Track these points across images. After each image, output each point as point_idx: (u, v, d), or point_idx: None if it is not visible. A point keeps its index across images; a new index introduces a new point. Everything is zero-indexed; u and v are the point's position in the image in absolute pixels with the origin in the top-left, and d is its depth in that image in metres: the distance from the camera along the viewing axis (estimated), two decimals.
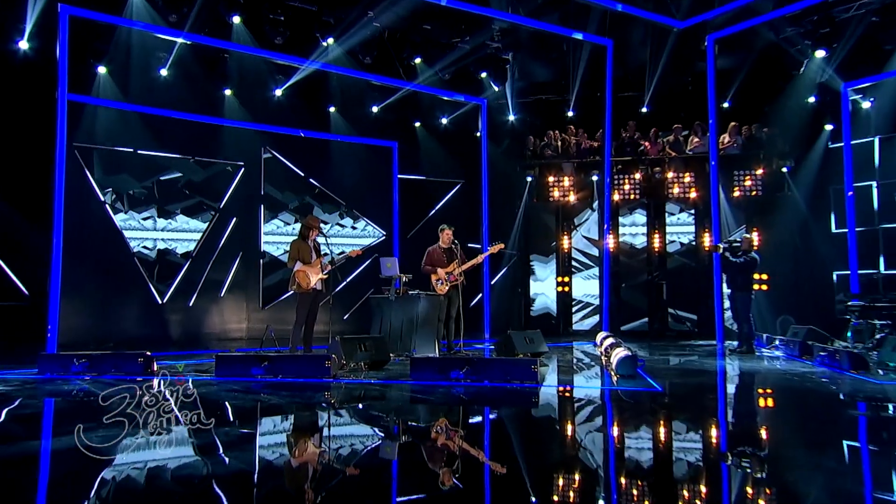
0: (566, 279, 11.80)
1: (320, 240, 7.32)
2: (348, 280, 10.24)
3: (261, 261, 11.02)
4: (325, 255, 7.21)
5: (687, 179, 11.12)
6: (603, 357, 7.38)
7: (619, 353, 6.22)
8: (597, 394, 5.48)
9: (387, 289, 7.96)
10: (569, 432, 4.13)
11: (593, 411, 4.84)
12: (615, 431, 4.11)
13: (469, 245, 8.32)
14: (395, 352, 7.36)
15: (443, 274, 7.80)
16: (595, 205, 11.66)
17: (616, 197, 11.45)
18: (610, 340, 7.60)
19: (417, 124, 12.26)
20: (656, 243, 11.34)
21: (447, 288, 7.78)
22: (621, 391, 5.41)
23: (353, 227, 11.87)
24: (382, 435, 3.99)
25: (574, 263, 11.87)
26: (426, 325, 7.60)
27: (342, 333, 8.15)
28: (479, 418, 4.57)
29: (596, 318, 11.53)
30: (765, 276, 9.12)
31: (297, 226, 11.10)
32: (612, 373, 6.19)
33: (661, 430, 4.18)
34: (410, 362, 5.86)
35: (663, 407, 4.89)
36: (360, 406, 4.89)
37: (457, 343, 7.89)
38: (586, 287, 11.74)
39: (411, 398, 5.21)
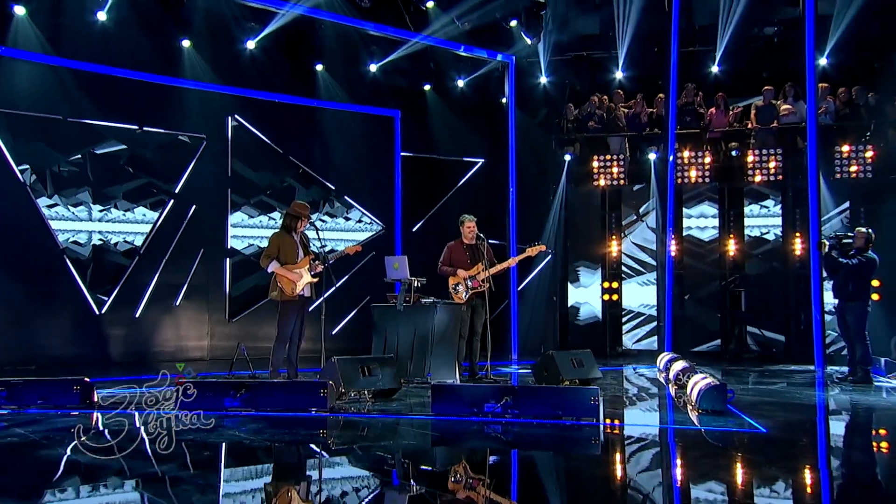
0: (615, 285, 11.67)
1: (310, 233, 7.26)
2: (337, 285, 10.12)
3: (227, 260, 10.91)
4: (318, 252, 7.20)
5: (773, 159, 10.89)
6: (672, 386, 7.29)
7: (701, 381, 6.05)
8: (679, 435, 5.31)
9: (392, 296, 7.88)
10: (658, 496, 3.85)
11: (685, 462, 4.63)
12: (724, 495, 3.81)
13: (490, 242, 8.02)
14: (405, 377, 7.33)
15: (463, 276, 7.77)
16: (652, 189, 11.47)
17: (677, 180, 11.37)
18: (680, 364, 7.49)
19: (427, 88, 12.26)
20: (731, 244, 11.17)
21: (469, 295, 7.77)
22: (711, 432, 5.23)
23: (346, 218, 11.86)
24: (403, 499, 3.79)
25: (625, 267, 11.69)
26: (444, 344, 7.55)
27: (333, 353, 7.80)
28: (530, 472, 4.41)
29: (652, 335, 11.46)
30: (875, 283, 8.87)
31: (277, 216, 11.11)
32: (692, 407, 6.06)
33: (792, 490, 3.90)
34: (432, 391, 5.74)
35: (781, 456, 4.65)
36: (370, 452, 4.76)
37: (482, 366, 7.82)
38: (641, 295, 11.59)
39: (435, 440, 5.11)
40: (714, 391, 5.80)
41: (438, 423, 5.42)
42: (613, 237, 11.73)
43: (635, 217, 11.74)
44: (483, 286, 7.72)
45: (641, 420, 6.09)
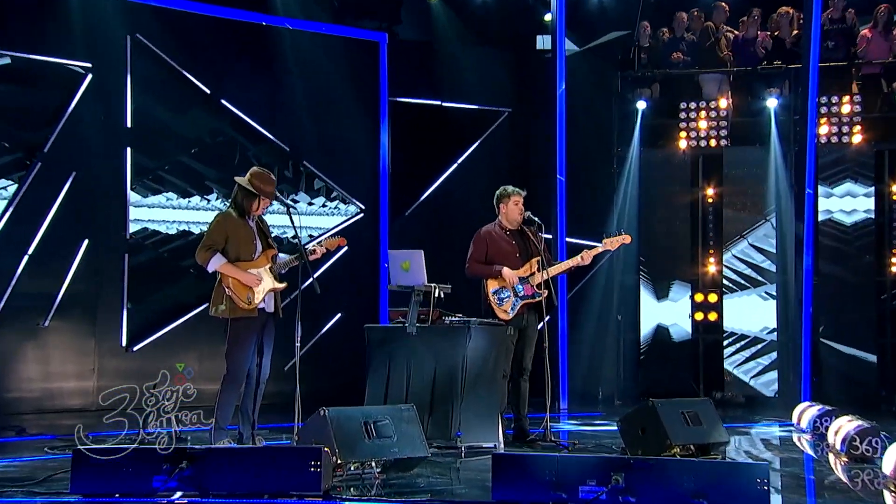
0: (712, 298, 11.74)
1: (268, 218, 7.35)
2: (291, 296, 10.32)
3: (127, 257, 10.73)
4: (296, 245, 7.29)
5: None
6: (843, 457, 7.15)
7: None
8: None
9: (398, 311, 7.77)
10: None
11: None
12: None
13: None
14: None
15: (511, 279, 7.77)
16: (774, 155, 11.48)
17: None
18: (854, 424, 7.29)
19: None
20: None
21: (518, 309, 7.78)
22: None
23: (310, 202, 11.86)
24: None
25: (730, 273, 11.72)
26: (481, 386, 7.45)
27: (283, 398, 7.95)
28: None
29: (769, 370, 11.46)
30: None
31: (213, 193, 11.20)
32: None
33: None
34: (493, 465, 5.41)
35: None
36: None
37: (542, 422, 7.83)
38: (750, 312, 11.57)
39: None
40: None
41: None
42: (711, 256, 11.90)
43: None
44: (539, 294, 7.74)
45: None
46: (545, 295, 7.76)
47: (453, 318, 7.51)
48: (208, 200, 11.22)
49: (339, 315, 11.35)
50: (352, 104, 11.99)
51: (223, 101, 11.22)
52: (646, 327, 11.87)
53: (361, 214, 12.07)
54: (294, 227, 7.12)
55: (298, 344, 6.82)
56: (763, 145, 11.67)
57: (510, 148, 12.73)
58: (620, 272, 12.11)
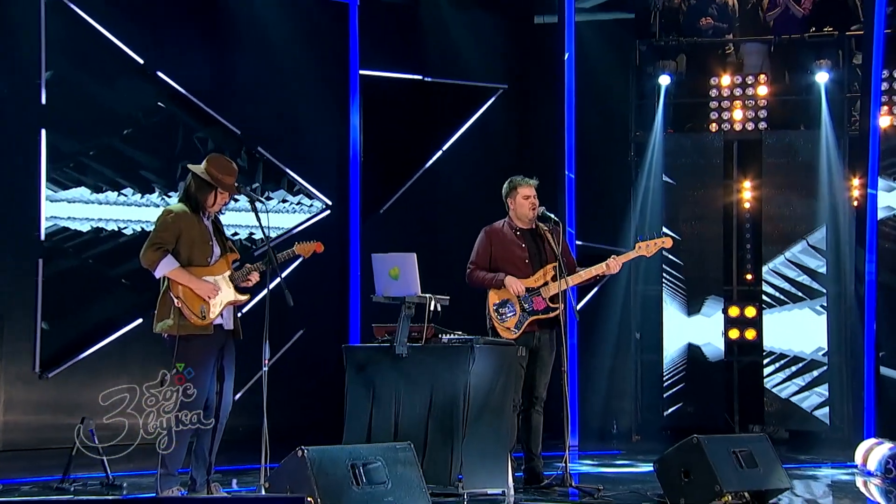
0: (750, 312, 11.64)
1: (224, 218, 7.38)
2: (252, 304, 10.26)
3: (41, 263, 10.58)
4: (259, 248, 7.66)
5: None
6: None
7: None
8: None
9: (383, 328, 7.54)
10: None
11: None
12: None
13: None
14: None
15: (516, 289, 7.70)
16: (825, 141, 11.47)
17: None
18: None
19: None
20: None
21: (527, 325, 7.72)
22: None
23: (268, 196, 11.80)
24: None
25: (772, 283, 11.65)
26: (486, 419, 7.27)
27: (245, 430, 8.15)
28: None
29: (820, 398, 11.43)
30: None
31: (153, 185, 11.17)
32: None
33: None
34: None
35: None
36: None
37: (561, 462, 7.77)
38: (797, 329, 11.53)
39: None
40: None
41: None
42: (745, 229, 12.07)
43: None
44: (553, 309, 7.64)
45: None
46: (559, 310, 7.64)
47: (452, 336, 7.31)
48: (143, 194, 11.16)
49: (301, 332, 11.25)
50: (316, 79, 11.95)
51: (159, 74, 11.08)
52: (670, 347, 11.77)
53: (328, 211, 11.99)
54: (262, 228, 7.06)
55: (266, 369, 6.72)
56: (811, 129, 11.60)
57: (506, 130, 12.62)
58: (641, 281, 12.08)
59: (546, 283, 7.69)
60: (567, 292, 7.81)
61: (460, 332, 7.41)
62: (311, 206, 12.00)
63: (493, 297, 7.77)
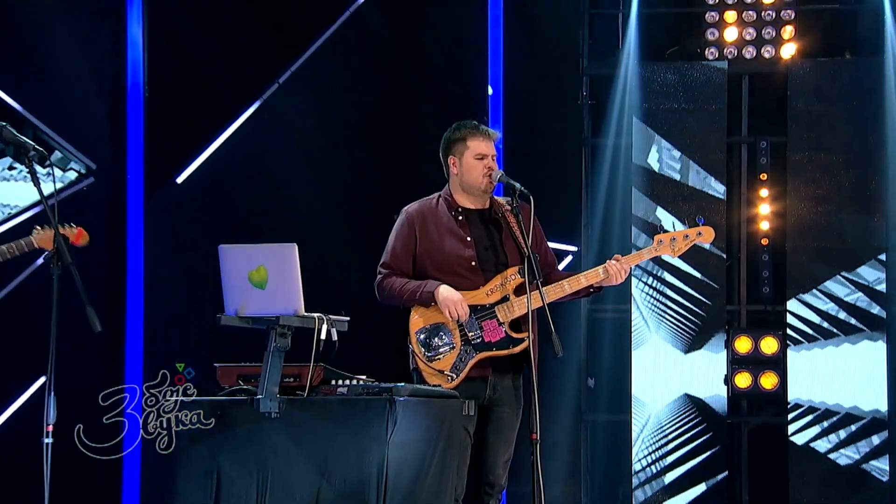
0: (770, 348, 11.91)
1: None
2: None
3: None
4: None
5: None
6: None
7: None
8: None
9: (244, 371, 7.62)
10: None
11: None
12: None
13: None
14: None
15: (454, 307, 7.49)
16: (890, 78, 11.61)
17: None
18: None
19: None
20: None
21: (468, 369, 7.53)
22: None
23: None
24: None
25: (801, 308, 11.75)
26: None
27: None
28: None
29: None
30: None
31: None
32: None
33: None
34: None
35: None
36: None
37: None
38: (838, 374, 12.04)
39: None
40: None
41: None
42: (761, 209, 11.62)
43: None
44: (518, 341, 7.34)
45: None
46: (529, 341, 7.24)
47: (355, 383, 6.79)
48: None
49: (43, 379, 10.34)
50: None
51: None
52: (652, 399, 12.03)
53: (91, 179, 11.96)
54: (42, 198, 7.12)
55: (49, 440, 6.65)
56: (859, 55, 11.75)
57: (385, 54, 12.35)
58: (591, 300, 11.80)
59: (506, 299, 7.25)
60: (544, 314, 7.23)
61: (365, 377, 6.91)
62: (65, 174, 11.99)
63: (418, 321, 7.31)
